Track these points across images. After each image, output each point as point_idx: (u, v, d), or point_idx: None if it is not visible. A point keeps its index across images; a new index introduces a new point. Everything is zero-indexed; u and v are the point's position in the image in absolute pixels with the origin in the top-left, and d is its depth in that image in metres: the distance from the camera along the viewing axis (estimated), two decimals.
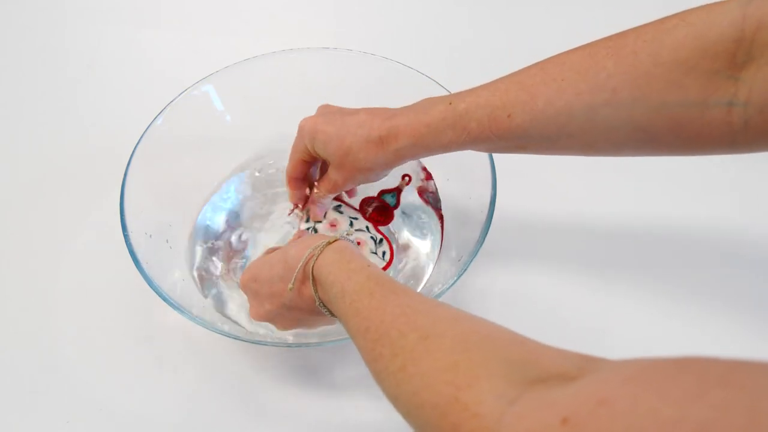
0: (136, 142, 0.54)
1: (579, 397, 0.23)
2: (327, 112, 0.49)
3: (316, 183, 0.54)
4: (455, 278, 0.47)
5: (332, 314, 0.41)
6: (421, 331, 0.31)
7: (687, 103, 0.35)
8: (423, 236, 0.58)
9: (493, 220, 0.49)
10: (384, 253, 0.55)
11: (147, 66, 0.79)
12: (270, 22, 0.84)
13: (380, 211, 0.57)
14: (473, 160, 0.52)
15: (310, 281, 0.41)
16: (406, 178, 0.56)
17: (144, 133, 0.54)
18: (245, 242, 0.58)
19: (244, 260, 0.57)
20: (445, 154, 0.48)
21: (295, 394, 0.51)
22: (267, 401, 0.51)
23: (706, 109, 0.35)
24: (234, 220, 0.59)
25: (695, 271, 0.57)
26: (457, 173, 0.56)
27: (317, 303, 0.41)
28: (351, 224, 0.56)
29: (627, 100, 0.36)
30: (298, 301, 0.43)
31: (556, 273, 0.57)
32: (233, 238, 0.58)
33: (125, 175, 0.51)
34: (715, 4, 0.35)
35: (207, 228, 0.58)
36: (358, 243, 0.55)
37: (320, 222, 0.56)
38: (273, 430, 0.49)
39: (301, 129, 0.49)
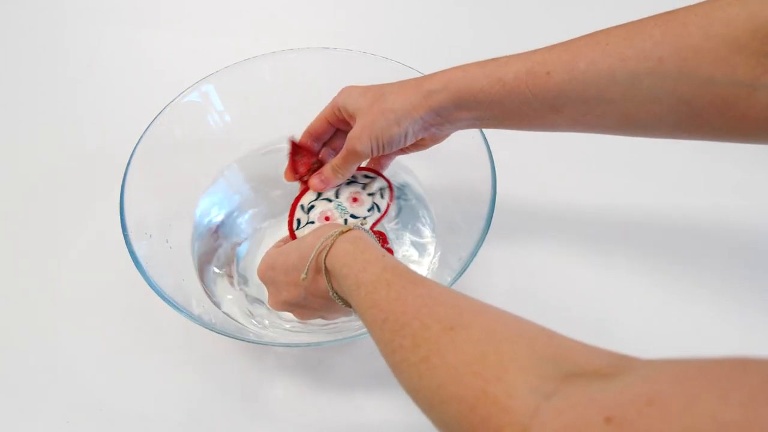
0: (136, 142, 0.54)
1: (625, 395, 0.21)
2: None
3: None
4: (455, 278, 0.47)
5: (347, 305, 0.41)
6: (446, 323, 0.30)
7: (734, 82, 0.34)
8: (421, 236, 0.58)
9: (492, 219, 0.49)
10: (365, 174, 0.53)
11: (147, 66, 0.79)
12: (270, 22, 0.84)
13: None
14: (473, 159, 0.52)
15: (323, 272, 0.41)
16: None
17: (144, 133, 0.54)
18: (241, 238, 0.58)
19: (239, 258, 0.57)
20: (444, 153, 0.48)
21: (296, 394, 0.51)
22: (267, 401, 0.51)
23: (753, 90, 0.34)
24: (231, 216, 0.59)
25: (700, 261, 0.58)
26: (457, 173, 0.56)
27: (331, 294, 0.41)
28: (337, 197, 0.52)
29: (672, 71, 0.36)
30: (314, 291, 0.43)
31: (558, 271, 0.57)
32: (230, 234, 0.58)
33: (125, 175, 0.51)
34: None
35: (205, 225, 0.58)
36: (354, 199, 0.52)
37: (321, 194, 0.52)
38: (273, 429, 0.49)
39: (341, 90, 0.49)
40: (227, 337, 0.47)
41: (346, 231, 0.41)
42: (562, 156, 0.65)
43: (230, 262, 0.57)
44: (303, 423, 0.49)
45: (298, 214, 0.52)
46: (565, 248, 0.59)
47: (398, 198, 0.59)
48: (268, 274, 0.47)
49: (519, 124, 0.43)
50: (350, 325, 0.52)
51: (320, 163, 0.52)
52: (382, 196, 0.52)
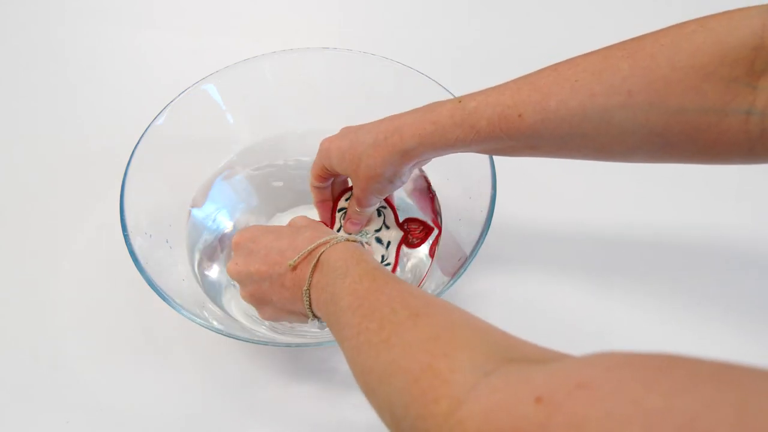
0: (136, 142, 0.54)
1: (557, 377, 0.22)
2: (345, 130, 0.49)
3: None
4: (455, 278, 0.47)
5: (309, 305, 0.41)
6: (413, 310, 0.32)
7: (704, 109, 0.35)
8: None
9: (492, 220, 0.49)
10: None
11: (147, 66, 0.79)
12: (270, 22, 0.84)
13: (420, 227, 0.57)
14: (473, 160, 0.52)
15: (312, 264, 0.41)
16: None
17: (144, 133, 0.54)
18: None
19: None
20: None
21: (295, 394, 0.51)
22: (267, 400, 0.51)
23: (724, 116, 0.34)
24: (230, 215, 0.59)
25: (698, 277, 0.57)
26: (457, 173, 0.56)
27: (305, 287, 0.41)
28: (379, 229, 0.56)
29: (643, 103, 0.36)
30: (286, 281, 0.43)
31: (556, 274, 0.57)
32: (229, 233, 0.58)
33: (125, 175, 0.51)
34: (735, 11, 0.34)
35: (205, 225, 0.58)
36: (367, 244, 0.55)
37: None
38: (273, 429, 0.49)
39: (319, 149, 0.50)
40: (227, 337, 0.47)
41: (353, 240, 0.43)
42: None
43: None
44: (303, 423, 0.49)
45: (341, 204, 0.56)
46: (565, 250, 0.59)
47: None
48: (247, 245, 0.46)
49: (497, 154, 0.44)
50: None
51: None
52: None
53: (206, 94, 0.60)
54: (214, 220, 0.59)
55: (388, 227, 0.56)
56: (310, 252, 0.42)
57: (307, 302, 0.41)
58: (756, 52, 0.33)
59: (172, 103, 0.57)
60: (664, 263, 0.58)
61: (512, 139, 0.40)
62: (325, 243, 0.42)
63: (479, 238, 0.48)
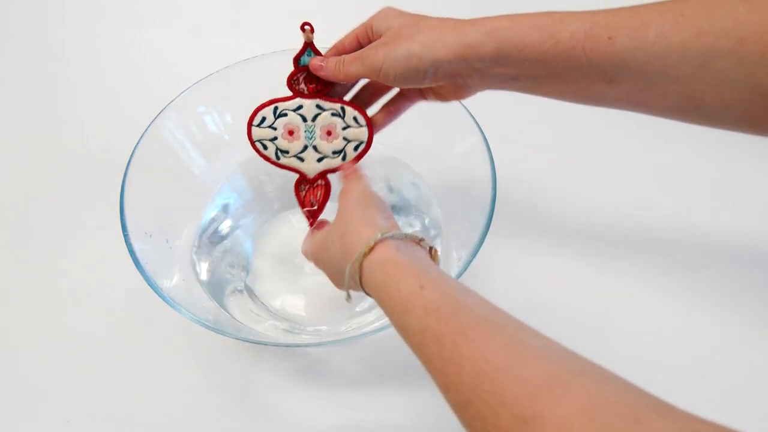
0: (136, 142, 0.54)
1: None
2: None
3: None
4: (455, 278, 0.47)
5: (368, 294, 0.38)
6: (515, 409, 0.26)
7: None
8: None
9: (493, 219, 0.49)
10: (356, 118, 0.49)
11: (147, 66, 0.79)
12: (270, 22, 0.84)
13: (313, 79, 0.51)
14: (474, 159, 0.52)
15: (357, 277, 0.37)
16: (307, 27, 0.48)
17: (144, 133, 0.54)
18: (242, 236, 0.58)
19: (244, 260, 0.57)
20: (444, 153, 0.48)
21: (295, 394, 0.51)
22: (267, 400, 0.51)
23: None
24: (231, 214, 0.59)
25: (697, 266, 0.57)
26: (458, 172, 0.56)
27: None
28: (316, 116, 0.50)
29: (753, 54, 0.31)
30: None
31: (558, 272, 0.57)
32: (229, 233, 0.58)
33: (125, 175, 0.51)
34: None
35: (206, 224, 0.58)
36: (329, 132, 0.49)
37: (302, 106, 0.50)
38: (273, 429, 0.49)
39: (379, 11, 0.45)
40: (227, 337, 0.47)
41: (370, 251, 0.36)
42: (564, 156, 0.65)
43: (232, 260, 0.57)
44: (302, 423, 0.49)
45: (266, 112, 0.50)
46: (565, 249, 0.59)
47: (391, 191, 0.59)
48: (318, 265, 0.45)
49: (561, 92, 0.38)
50: (350, 325, 0.52)
51: (324, 85, 0.50)
52: (355, 149, 0.49)
53: (206, 94, 0.59)
54: (214, 219, 0.59)
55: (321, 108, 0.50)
56: (355, 282, 0.38)
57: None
58: None
59: (173, 102, 0.57)
60: (665, 253, 0.58)
61: (592, 65, 0.35)
62: (354, 271, 0.37)
63: (479, 238, 0.48)
